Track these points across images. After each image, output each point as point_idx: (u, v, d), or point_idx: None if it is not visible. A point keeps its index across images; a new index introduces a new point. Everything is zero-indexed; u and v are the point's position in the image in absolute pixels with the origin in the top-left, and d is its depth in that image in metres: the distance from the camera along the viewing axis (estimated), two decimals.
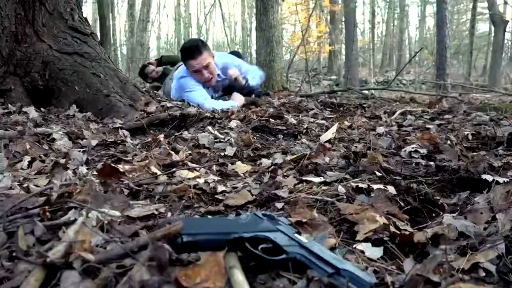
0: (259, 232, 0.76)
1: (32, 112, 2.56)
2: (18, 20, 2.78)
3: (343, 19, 14.14)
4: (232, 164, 1.69)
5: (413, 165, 1.60)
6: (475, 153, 1.69)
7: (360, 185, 1.24)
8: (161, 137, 2.08)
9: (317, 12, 17.01)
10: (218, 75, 3.67)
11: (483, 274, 0.78)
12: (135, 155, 1.77)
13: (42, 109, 2.77)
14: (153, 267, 0.64)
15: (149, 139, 2.10)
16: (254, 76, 3.91)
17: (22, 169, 1.55)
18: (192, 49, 3.47)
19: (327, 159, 1.66)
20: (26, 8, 2.79)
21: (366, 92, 5.97)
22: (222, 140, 2.08)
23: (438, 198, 1.19)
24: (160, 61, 5.64)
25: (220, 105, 3.28)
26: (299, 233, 0.81)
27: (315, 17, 16.54)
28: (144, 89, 3.74)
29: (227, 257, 0.70)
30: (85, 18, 3.25)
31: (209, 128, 2.29)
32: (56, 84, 2.91)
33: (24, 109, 2.61)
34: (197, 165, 1.61)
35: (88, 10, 20.46)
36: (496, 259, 0.82)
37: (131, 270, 0.63)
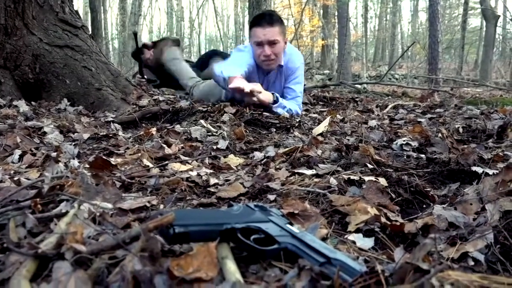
0: (251, 222, 0.77)
1: (23, 105, 2.53)
2: (8, 12, 2.74)
3: (336, 13, 14.13)
4: (224, 157, 1.69)
5: (405, 157, 1.61)
6: (465, 146, 1.71)
7: (352, 177, 1.25)
8: (154, 130, 2.07)
9: (310, 6, 16.99)
10: (281, 66, 2.98)
11: (472, 263, 0.80)
12: (127, 148, 1.76)
13: (32, 102, 2.75)
14: (145, 257, 0.64)
15: (141, 133, 2.09)
16: (291, 107, 2.90)
17: (13, 162, 1.54)
18: (264, 16, 2.86)
19: (319, 152, 1.67)
20: (16, 0, 2.75)
21: (358, 86, 6.00)
22: (214, 134, 2.08)
23: (428, 189, 1.20)
24: (155, 45, 5.29)
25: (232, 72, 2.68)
26: (291, 224, 0.82)
27: (308, 11, 16.52)
28: (134, 81, 3.53)
29: (219, 248, 0.71)
30: (76, 11, 3.21)
31: (202, 121, 2.28)
32: (47, 77, 2.89)
33: (14, 103, 2.59)
34: (190, 158, 1.60)
35: (79, 3, 20.24)
36: (485, 248, 0.83)
37: (124, 261, 0.63)
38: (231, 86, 2.55)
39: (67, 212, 0.85)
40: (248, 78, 2.85)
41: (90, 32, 3.40)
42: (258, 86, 2.66)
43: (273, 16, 2.86)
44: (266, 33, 2.78)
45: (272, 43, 2.80)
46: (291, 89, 3.05)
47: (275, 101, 2.76)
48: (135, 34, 5.01)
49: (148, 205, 1.04)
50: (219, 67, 2.82)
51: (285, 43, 2.95)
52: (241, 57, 2.93)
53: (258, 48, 2.84)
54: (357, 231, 0.94)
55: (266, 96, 2.70)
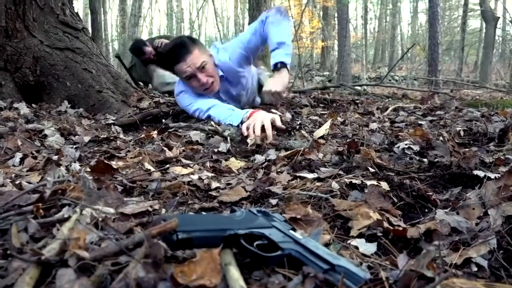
0: (254, 228, 0.77)
1: (23, 108, 2.53)
2: (8, 15, 2.75)
3: (336, 14, 14.14)
4: (225, 160, 1.69)
5: (407, 159, 1.61)
6: (466, 149, 1.71)
7: (354, 181, 1.25)
8: (155, 133, 2.07)
9: (310, 7, 17.01)
10: (222, 76, 2.66)
11: (475, 269, 0.79)
12: (128, 151, 1.76)
13: (33, 105, 2.75)
14: (149, 264, 0.64)
15: (142, 135, 2.09)
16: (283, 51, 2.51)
17: (13, 165, 1.53)
18: (177, 50, 2.50)
19: (320, 155, 1.67)
20: (17, 3, 2.76)
21: (358, 88, 6.00)
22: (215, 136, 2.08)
23: (430, 193, 1.20)
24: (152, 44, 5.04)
25: (232, 116, 2.31)
26: (294, 230, 0.81)
27: (307, 13, 16.54)
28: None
29: (223, 254, 0.71)
30: (77, 13, 3.22)
31: (199, 125, 2.28)
32: (47, 79, 2.89)
33: (15, 105, 2.59)
34: (191, 162, 1.60)
35: (79, 4, 20.27)
36: (488, 254, 0.83)
37: (127, 267, 0.63)
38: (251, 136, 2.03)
39: (69, 217, 0.85)
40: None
41: (90, 34, 3.41)
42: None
43: (184, 43, 2.51)
44: (190, 63, 2.46)
45: (201, 68, 2.48)
46: (247, 40, 2.65)
47: (282, 65, 2.45)
48: (117, 57, 5.05)
49: (150, 209, 1.04)
50: (217, 117, 2.43)
51: (210, 56, 2.61)
52: (199, 101, 2.58)
53: (192, 81, 2.52)
54: (360, 236, 0.94)
55: (280, 82, 2.44)
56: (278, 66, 2.46)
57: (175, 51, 2.50)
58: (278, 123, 2.11)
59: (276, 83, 2.43)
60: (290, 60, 2.49)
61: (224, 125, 2.26)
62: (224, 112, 2.39)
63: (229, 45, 2.75)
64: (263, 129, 2.00)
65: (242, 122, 2.17)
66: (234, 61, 2.66)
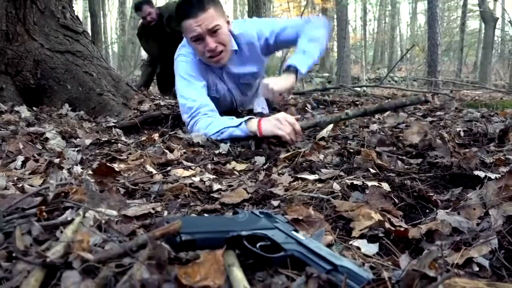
0: (257, 230, 0.77)
1: (24, 111, 2.54)
2: (9, 18, 2.76)
3: (335, 16, 14.16)
4: (226, 162, 1.69)
5: (408, 160, 1.62)
6: (467, 150, 1.71)
7: (355, 182, 1.25)
8: (156, 136, 2.07)
9: (309, 9, 17.04)
10: (236, 52, 2.34)
11: (477, 268, 0.80)
12: (130, 154, 1.77)
13: (34, 108, 2.76)
14: (153, 265, 0.64)
15: (143, 138, 2.10)
16: (309, 50, 2.28)
17: (15, 169, 1.54)
18: (191, 2, 2.14)
19: (321, 157, 1.67)
20: (17, 6, 2.77)
21: (358, 89, 6.01)
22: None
23: (431, 194, 1.20)
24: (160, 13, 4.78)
25: (216, 126, 2.07)
26: (296, 231, 0.82)
27: (307, 15, 16.55)
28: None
29: (226, 255, 0.71)
30: (77, 16, 3.23)
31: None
32: (48, 83, 2.90)
33: (16, 108, 2.59)
34: (192, 164, 1.61)
35: (79, 7, 20.29)
36: (489, 254, 0.83)
37: (131, 269, 0.63)
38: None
39: (72, 220, 0.85)
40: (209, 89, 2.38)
41: (90, 37, 3.42)
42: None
43: (200, 0, 2.15)
44: (201, 22, 2.11)
45: (212, 31, 2.14)
46: (283, 33, 2.37)
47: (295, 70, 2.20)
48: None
49: (152, 211, 1.04)
50: (198, 127, 2.15)
51: (228, 23, 2.27)
52: (193, 86, 2.28)
53: (198, 44, 2.18)
54: (361, 236, 0.95)
55: (284, 82, 2.18)
56: (290, 69, 2.23)
57: (187, 4, 2.15)
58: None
59: (278, 82, 2.20)
60: (305, 72, 2.24)
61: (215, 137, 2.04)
62: (223, 121, 2.10)
63: (259, 21, 2.48)
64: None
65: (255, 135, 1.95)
66: (260, 40, 2.37)
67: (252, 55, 2.42)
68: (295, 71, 2.21)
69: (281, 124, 1.89)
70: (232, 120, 2.06)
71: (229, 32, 2.27)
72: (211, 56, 2.21)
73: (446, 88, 7.29)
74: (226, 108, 2.52)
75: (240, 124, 1.98)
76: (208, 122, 2.12)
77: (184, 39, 2.37)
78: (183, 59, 2.33)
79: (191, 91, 2.25)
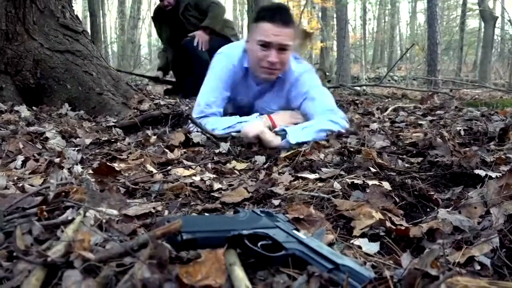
0: (258, 229, 0.77)
1: (24, 111, 2.54)
2: (8, 18, 2.75)
3: (335, 15, 14.16)
4: (227, 161, 1.69)
5: (408, 159, 1.61)
6: (467, 149, 1.71)
7: (356, 181, 1.25)
8: (153, 138, 2.06)
9: (309, 8, 17.02)
10: (279, 78, 2.28)
11: (478, 267, 0.80)
12: (130, 153, 1.77)
13: (34, 107, 2.75)
14: (154, 265, 0.64)
15: (142, 139, 2.09)
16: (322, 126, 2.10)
17: (16, 168, 1.54)
18: (279, 11, 2.12)
19: (322, 156, 1.67)
20: (17, 6, 2.76)
21: (358, 88, 6.01)
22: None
23: (432, 193, 1.20)
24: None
25: (228, 122, 2.16)
26: (297, 230, 0.82)
27: (306, 14, 16.54)
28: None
29: (227, 254, 0.71)
30: (76, 16, 3.22)
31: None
32: (48, 82, 2.89)
33: (15, 108, 2.59)
34: (193, 163, 1.61)
35: (78, 7, 20.27)
36: (491, 252, 0.83)
37: (132, 268, 0.63)
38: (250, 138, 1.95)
39: (73, 219, 0.85)
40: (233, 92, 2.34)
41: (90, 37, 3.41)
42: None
43: (289, 14, 2.17)
44: (279, 34, 2.08)
45: (282, 48, 2.11)
46: (316, 104, 2.22)
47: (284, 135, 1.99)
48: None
49: (153, 211, 1.04)
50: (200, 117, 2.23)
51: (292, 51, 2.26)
52: (217, 84, 2.28)
53: (262, 50, 2.12)
54: (363, 235, 0.95)
55: (271, 137, 1.96)
56: (280, 133, 2.00)
57: (278, 11, 2.13)
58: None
59: (266, 133, 1.96)
60: (292, 144, 1.94)
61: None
62: (235, 118, 2.19)
63: (312, 76, 2.35)
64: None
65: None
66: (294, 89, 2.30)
67: (282, 93, 2.36)
68: (283, 137, 1.97)
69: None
70: (244, 118, 2.16)
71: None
72: (267, 67, 2.17)
73: (446, 87, 7.29)
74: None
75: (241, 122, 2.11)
76: (219, 120, 2.22)
77: (239, 42, 2.34)
78: (224, 62, 2.30)
79: (212, 97, 2.27)
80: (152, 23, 4.98)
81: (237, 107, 2.46)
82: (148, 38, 28.40)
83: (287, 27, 2.10)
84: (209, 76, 2.32)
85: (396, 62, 10.05)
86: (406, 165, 1.54)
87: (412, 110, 3.36)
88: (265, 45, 2.11)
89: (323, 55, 17.82)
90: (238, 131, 2.05)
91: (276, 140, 1.94)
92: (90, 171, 1.35)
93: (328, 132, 2.06)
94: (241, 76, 2.31)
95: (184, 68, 4.49)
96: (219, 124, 2.16)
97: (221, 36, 4.25)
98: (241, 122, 2.11)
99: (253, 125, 2.00)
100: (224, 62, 2.30)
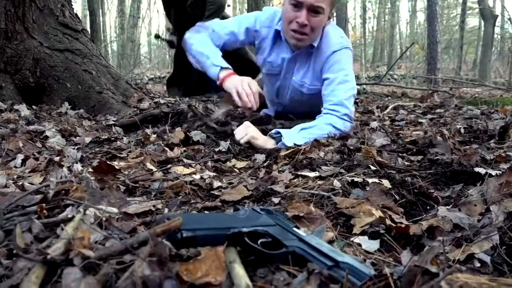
0: (258, 226, 0.77)
1: (24, 109, 2.54)
2: (8, 17, 2.74)
3: (334, 14, 14.15)
4: (227, 160, 1.69)
5: (408, 157, 1.61)
6: (467, 147, 1.71)
7: (355, 179, 1.25)
8: (153, 136, 2.05)
9: None
10: (313, 47, 2.17)
11: (478, 264, 0.80)
12: (130, 152, 1.77)
13: (33, 106, 2.75)
14: (154, 262, 0.64)
15: (142, 138, 2.09)
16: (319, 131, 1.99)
17: (15, 167, 1.54)
18: None
19: (321, 154, 1.67)
20: (16, 4, 2.75)
21: (358, 87, 6.00)
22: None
23: (432, 191, 1.20)
24: None
25: (203, 47, 2.20)
26: (297, 227, 0.82)
27: None
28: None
29: (227, 252, 0.71)
30: (76, 14, 3.22)
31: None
32: (48, 81, 2.89)
33: (15, 107, 2.59)
34: (193, 161, 1.61)
35: (78, 6, 20.25)
36: (491, 250, 0.83)
37: (133, 266, 0.63)
38: (239, 102, 2.00)
39: (73, 217, 0.85)
40: (263, 51, 2.28)
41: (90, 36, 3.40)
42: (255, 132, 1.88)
43: None
44: None
45: (315, 10, 1.98)
46: (331, 85, 2.12)
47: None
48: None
49: (153, 209, 1.04)
50: (194, 38, 2.26)
51: (329, 18, 2.14)
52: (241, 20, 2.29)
53: (293, 10, 2.01)
54: (362, 233, 0.95)
55: (263, 142, 1.88)
56: (275, 136, 1.92)
57: None
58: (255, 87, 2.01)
59: (258, 137, 1.88)
60: (286, 146, 1.84)
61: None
62: (206, 50, 2.17)
63: (346, 54, 2.21)
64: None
65: (217, 82, 2.12)
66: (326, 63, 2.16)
67: (316, 66, 2.22)
68: (279, 140, 1.89)
69: (241, 89, 1.97)
70: (216, 57, 2.14)
71: (323, 26, 2.12)
72: (296, 30, 2.05)
73: (446, 86, 7.29)
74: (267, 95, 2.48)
75: (217, 66, 2.11)
76: (204, 40, 2.22)
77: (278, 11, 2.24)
78: (252, 18, 2.30)
79: (227, 26, 2.29)
80: (155, 15, 4.87)
81: (266, 74, 2.39)
82: (148, 37, 28.35)
83: None
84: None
85: (396, 60, 10.04)
86: (406, 163, 1.54)
87: (412, 109, 3.36)
88: (297, 5, 2.00)
89: None
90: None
91: (269, 144, 1.87)
92: (90, 170, 1.35)
93: (325, 136, 1.96)
94: (271, 37, 2.23)
95: (185, 63, 4.38)
96: (199, 43, 2.22)
97: None
98: (209, 58, 2.16)
99: (244, 131, 1.88)
100: (252, 18, 2.30)
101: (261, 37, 2.28)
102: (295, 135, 1.91)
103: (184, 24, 4.24)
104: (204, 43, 2.21)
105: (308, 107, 2.37)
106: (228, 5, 4.27)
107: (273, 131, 1.96)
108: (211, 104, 2.83)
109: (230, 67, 2.13)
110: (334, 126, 2.02)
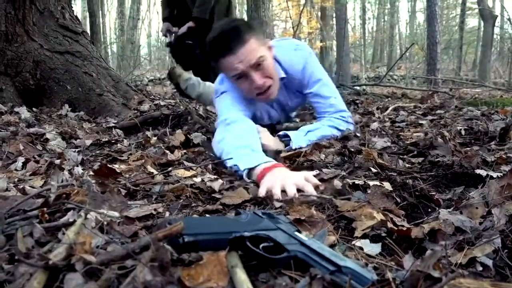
0: (260, 230, 0.77)
1: (24, 112, 2.54)
2: (8, 19, 2.75)
3: (334, 15, 14.15)
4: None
5: (409, 159, 1.61)
6: (468, 148, 1.71)
7: (357, 181, 1.25)
8: (154, 139, 2.05)
9: (308, 8, 17.02)
10: (283, 79, 2.06)
11: (480, 268, 0.80)
12: (130, 154, 1.76)
13: (34, 109, 2.75)
14: (156, 267, 0.64)
15: (142, 140, 2.09)
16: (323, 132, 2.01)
17: (16, 170, 1.54)
18: (228, 37, 1.81)
19: (322, 156, 1.67)
20: (17, 7, 2.76)
21: (358, 88, 6.00)
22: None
23: (433, 193, 1.20)
24: None
25: (227, 151, 1.65)
26: (299, 231, 0.82)
27: (306, 13, 16.55)
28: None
29: (229, 257, 0.71)
30: (76, 17, 3.22)
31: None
32: (48, 83, 2.89)
33: (15, 109, 2.59)
34: (193, 164, 1.60)
35: (78, 7, 20.25)
36: (493, 253, 0.83)
37: (134, 271, 0.63)
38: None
39: (74, 221, 0.85)
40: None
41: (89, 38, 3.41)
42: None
43: (238, 30, 1.81)
44: (243, 58, 1.80)
45: (256, 65, 1.83)
46: (317, 97, 2.12)
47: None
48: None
49: (154, 212, 1.04)
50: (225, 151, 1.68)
51: (270, 48, 1.95)
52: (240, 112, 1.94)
53: (242, 82, 1.88)
54: (364, 236, 0.94)
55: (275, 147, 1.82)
56: (283, 138, 1.92)
57: (223, 39, 1.81)
58: (310, 188, 1.26)
59: (270, 139, 1.87)
60: (295, 146, 1.84)
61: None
62: (235, 146, 1.65)
63: (308, 57, 2.12)
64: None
65: (249, 174, 1.48)
66: (302, 80, 2.10)
67: (293, 89, 2.20)
68: (288, 142, 1.88)
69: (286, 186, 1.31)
70: (245, 158, 1.55)
71: (274, 59, 1.98)
72: (260, 92, 1.91)
73: (446, 86, 7.29)
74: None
75: (244, 170, 1.49)
76: (229, 141, 1.71)
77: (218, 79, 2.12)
78: (228, 96, 1.99)
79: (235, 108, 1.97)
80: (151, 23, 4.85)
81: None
82: (148, 38, 28.40)
83: (244, 45, 1.79)
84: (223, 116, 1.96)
85: (396, 61, 10.05)
86: (407, 165, 1.54)
87: (412, 110, 3.35)
88: (240, 77, 1.87)
89: (322, 54, 17.81)
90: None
91: (280, 147, 1.83)
92: (91, 173, 1.35)
93: (330, 138, 1.96)
94: (248, 99, 2.05)
95: (184, 57, 4.34)
96: (221, 146, 1.72)
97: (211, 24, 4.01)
98: (235, 164, 1.55)
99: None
100: (229, 97, 2.00)
101: None
102: (302, 138, 1.90)
103: (184, 18, 4.15)
104: (225, 143, 1.74)
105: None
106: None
107: (281, 133, 1.95)
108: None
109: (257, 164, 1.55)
110: (338, 129, 2.05)
